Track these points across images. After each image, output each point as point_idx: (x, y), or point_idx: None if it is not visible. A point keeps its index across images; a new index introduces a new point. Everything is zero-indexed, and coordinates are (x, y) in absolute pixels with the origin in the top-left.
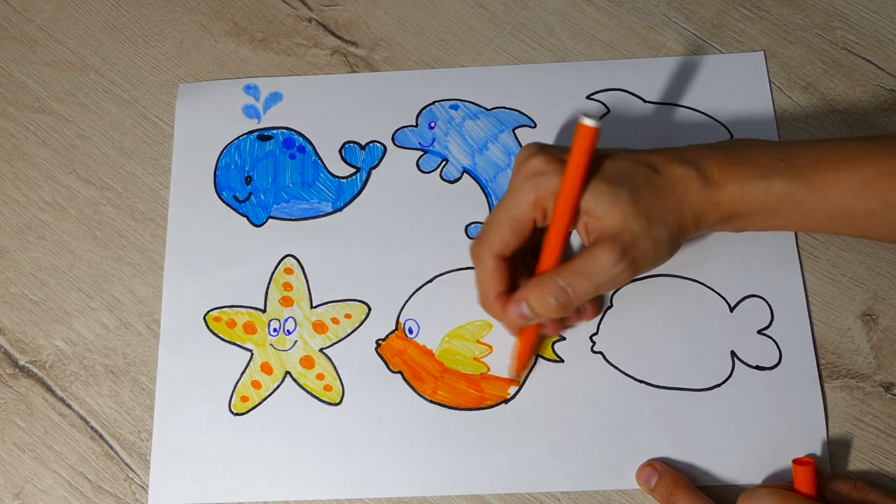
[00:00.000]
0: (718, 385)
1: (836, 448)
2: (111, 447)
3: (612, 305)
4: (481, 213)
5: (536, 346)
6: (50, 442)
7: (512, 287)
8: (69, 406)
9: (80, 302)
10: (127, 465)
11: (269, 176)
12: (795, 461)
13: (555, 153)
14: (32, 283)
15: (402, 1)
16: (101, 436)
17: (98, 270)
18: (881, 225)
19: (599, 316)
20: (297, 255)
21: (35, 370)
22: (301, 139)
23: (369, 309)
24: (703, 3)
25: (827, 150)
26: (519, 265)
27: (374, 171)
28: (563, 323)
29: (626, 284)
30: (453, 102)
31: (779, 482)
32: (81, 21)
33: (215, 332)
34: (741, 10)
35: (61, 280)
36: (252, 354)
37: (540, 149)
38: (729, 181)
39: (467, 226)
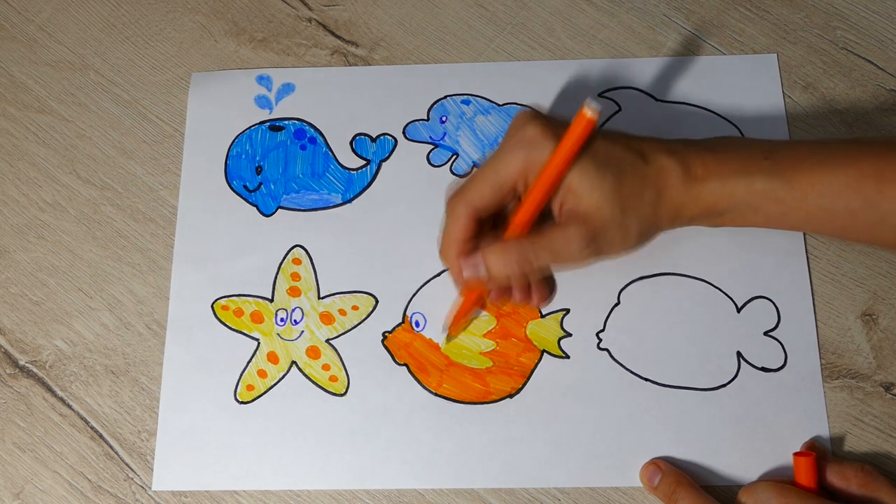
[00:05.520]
0: (724, 385)
1: (836, 448)
2: (111, 447)
3: (619, 303)
4: None
5: (474, 309)
6: (50, 442)
7: (474, 248)
8: (69, 406)
9: (80, 302)
10: (127, 465)
11: (280, 166)
12: (796, 454)
13: (550, 125)
14: (32, 283)
15: (402, 1)
16: (101, 436)
17: (98, 270)
18: (862, 226)
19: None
20: (305, 246)
21: (35, 370)
22: (312, 130)
23: (377, 301)
24: (703, 3)
25: (812, 150)
26: (486, 227)
27: (384, 164)
28: (508, 297)
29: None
30: (465, 97)
31: (778, 477)
32: (81, 21)
33: (223, 320)
34: (741, 10)
35: (61, 280)
36: (259, 343)
37: (536, 117)
38: (712, 177)
39: None
